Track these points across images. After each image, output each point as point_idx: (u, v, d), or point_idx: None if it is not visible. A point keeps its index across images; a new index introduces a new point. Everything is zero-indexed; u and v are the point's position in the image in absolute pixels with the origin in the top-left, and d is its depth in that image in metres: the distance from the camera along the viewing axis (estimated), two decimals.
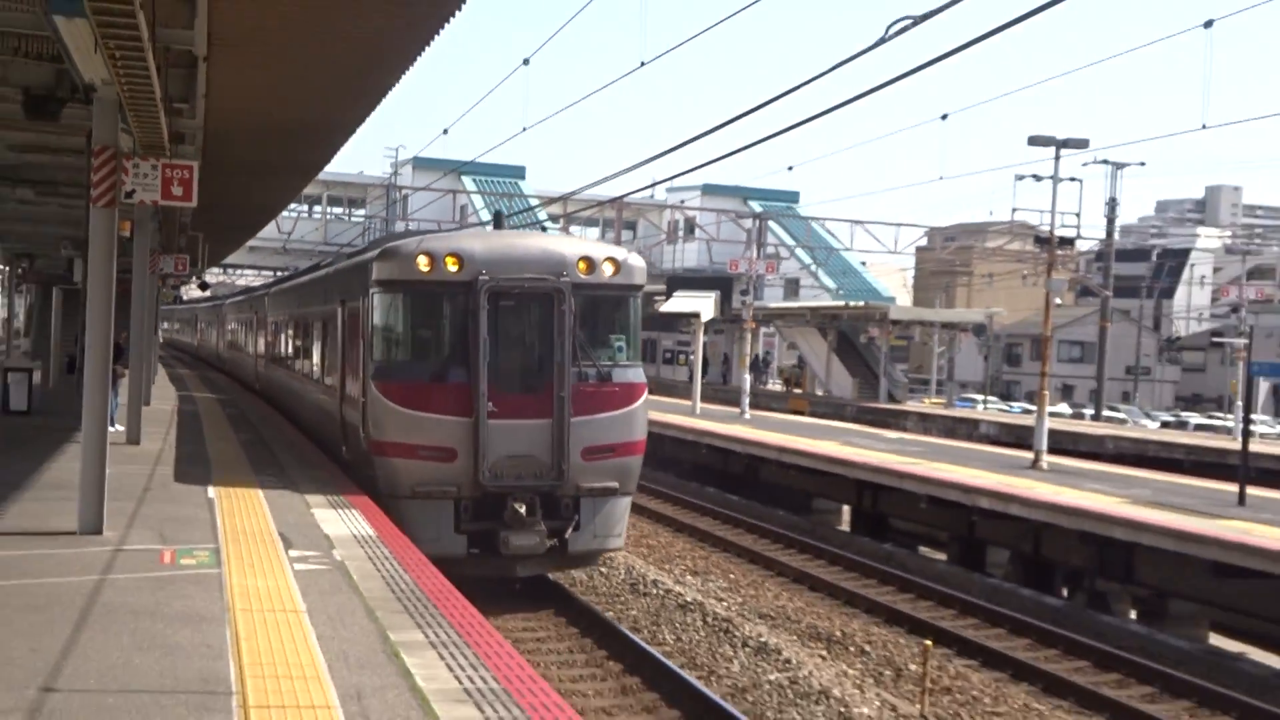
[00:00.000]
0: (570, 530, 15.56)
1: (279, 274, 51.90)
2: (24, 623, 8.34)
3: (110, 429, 13.09)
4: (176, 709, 6.64)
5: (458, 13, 10.88)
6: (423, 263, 15.34)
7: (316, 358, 21.51)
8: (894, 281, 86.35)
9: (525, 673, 7.78)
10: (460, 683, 7.45)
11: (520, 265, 15.44)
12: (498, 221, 18.80)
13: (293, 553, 11.19)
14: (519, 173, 72.77)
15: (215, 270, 65.69)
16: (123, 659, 7.56)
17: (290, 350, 26.42)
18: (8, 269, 37.22)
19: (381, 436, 15.42)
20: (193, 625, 8.44)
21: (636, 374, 16.29)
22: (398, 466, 15.19)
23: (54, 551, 10.77)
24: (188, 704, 6.74)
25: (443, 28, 11.39)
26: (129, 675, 7.25)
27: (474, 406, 14.97)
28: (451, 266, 15.29)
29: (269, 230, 48.92)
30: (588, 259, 15.78)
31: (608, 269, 15.87)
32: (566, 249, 16.12)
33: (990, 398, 62.17)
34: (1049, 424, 25.63)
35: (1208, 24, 21.49)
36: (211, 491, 14.71)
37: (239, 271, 73.75)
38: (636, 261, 16.40)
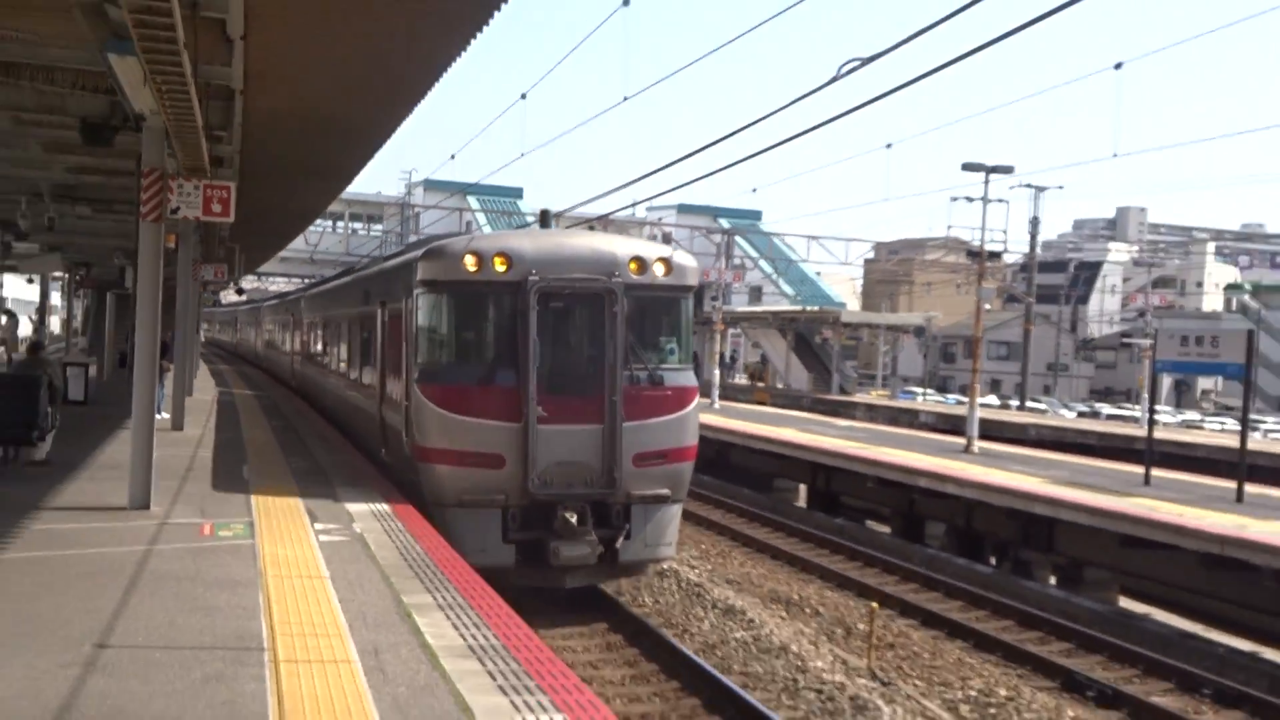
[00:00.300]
0: (621, 539, 13.46)
1: (307, 280, 51.70)
2: (80, 588, 8.29)
3: (157, 417, 12.99)
4: (215, 663, 6.61)
5: (468, 47, 10.79)
6: (470, 262, 13.16)
7: (356, 358, 19.22)
8: (845, 289, 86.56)
9: (522, 631, 7.74)
10: (465, 640, 7.42)
11: (570, 265, 13.26)
12: (544, 220, 15.82)
13: (317, 526, 11.13)
14: (517, 193, 72.73)
15: (250, 277, 65.34)
16: (168, 619, 7.51)
17: (327, 350, 24.29)
18: (68, 276, 37.06)
19: (426, 442, 13.26)
20: (229, 589, 8.39)
21: (688, 377, 13.98)
22: (443, 473, 13.04)
23: (107, 524, 10.71)
24: (225, 658, 6.71)
25: (458, 56, 11.26)
26: (173, 633, 7.21)
27: (523, 411, 12.80)
28: (499, 266, 13.11)
29: (298, 242, 48.67)
30: (639, 259, 13.55)
31: (659, 269, 13.65)
32: (618, 248, 13.72)
33: (929, 391, 62.27)
34: (979, 414, 25.72)
35: (1118, 65, 21.51)
36: (246, 472, 14.62)
37: (271, 279, 73.46)
38: (689, 261, 14.17)
